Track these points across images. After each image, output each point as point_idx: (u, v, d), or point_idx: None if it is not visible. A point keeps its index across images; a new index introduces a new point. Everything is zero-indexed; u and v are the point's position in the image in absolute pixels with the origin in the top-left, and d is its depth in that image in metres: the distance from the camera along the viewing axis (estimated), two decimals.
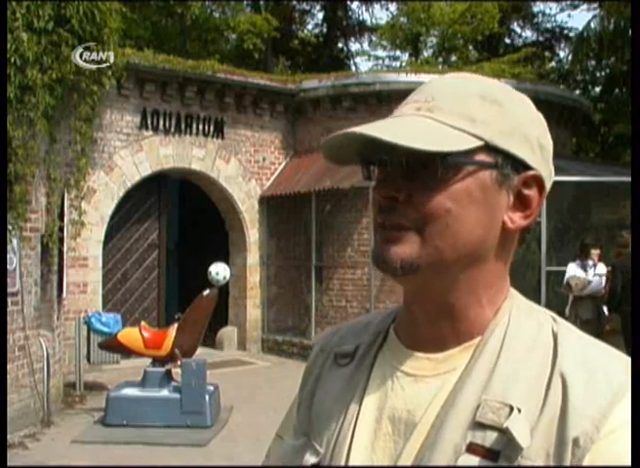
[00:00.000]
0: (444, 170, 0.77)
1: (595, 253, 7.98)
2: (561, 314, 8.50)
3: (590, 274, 7.87)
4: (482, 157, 0.78)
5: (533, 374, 0.76)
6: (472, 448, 0.73)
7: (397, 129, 0.77)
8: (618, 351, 0.80)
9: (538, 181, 0.82)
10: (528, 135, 0.81)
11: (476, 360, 0.79)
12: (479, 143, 0.77)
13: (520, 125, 0.81)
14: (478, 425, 0.74)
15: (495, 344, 0.79)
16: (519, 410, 0.73)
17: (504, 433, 0.72)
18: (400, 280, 0.82)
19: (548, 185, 0.84)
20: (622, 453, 0.70)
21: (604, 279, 7.85)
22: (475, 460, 0.73)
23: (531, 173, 0.81)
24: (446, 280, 0.80)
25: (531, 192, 0.81)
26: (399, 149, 0.75)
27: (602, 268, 7.93)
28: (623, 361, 0.77)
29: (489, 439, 0.73)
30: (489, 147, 0.78)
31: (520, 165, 0.80)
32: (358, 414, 0.84)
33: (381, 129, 0.77)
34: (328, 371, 0.92)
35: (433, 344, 0.82)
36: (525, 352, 0.78)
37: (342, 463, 0.82)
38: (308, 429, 0.89)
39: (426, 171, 0.77)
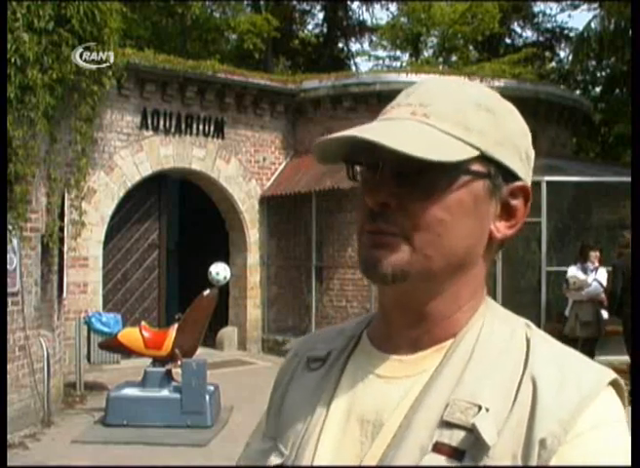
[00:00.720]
0: (439, 179, 0.76)
1: (594, 255, 7.97)
2: (561, 315, 8.51)
3: (591, 278, 7.86)
4: (477, 167, 0.78)
5: (503, 376, 0.76)
6: (438, 448, 0.73)
7: (396, 134, 0.76)
8: (593, 362, 0.79)
9: (524, 192, 0.82)
10: (517, 145, 0.82)
11: (447, 361, 0.79)
12: (475, 153, 0.77)
13: (511, 135, 0.81)
14: (446, 424, 0.74)
15: (467, 347, 0.79)
16: (487, 410, 0.73)
17: (471, 432, 0.72)
18: (386, 286, 0.81)
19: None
20: (590, 456, 0.70)
21: (604, 282, 7.83)
22: (440, 459, 0.73)
23: (519, 183, 0.82)
24: (432, 287, 0.80)
25: (517, 202, 0.82)
26: (394, 154, 0.74)
27: (602, 273, 7.91)
28: (598, 371, 0.77)
29: (455, 438, 0.73)
30: (483, 157, 0.78)
31: (509, 175, 0.81)
32: (326, 416, 0.83)
33: (381, 133, 0.76)
34: (299, 376, 0.92)
35: (407, 347, 0.82)
36: (497, 355, 0.78)
37: (307, 464, 0.82)
38: (276, 433, 0.88)
39: (421, 178, 0.76)
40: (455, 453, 0.72)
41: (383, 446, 0.77)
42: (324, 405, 0.84)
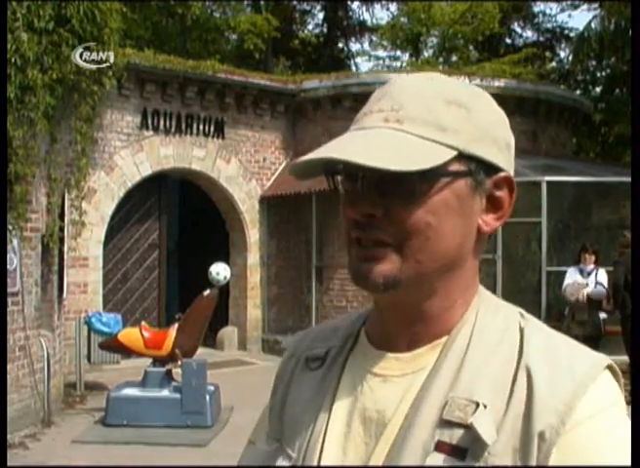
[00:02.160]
0: (421, 184, 0.76)
1: (588, 256, 7.97)
2: (561, 315, 8.51)
3: (591, 280, 7.86)
4: (456, 167, 0.78)
5: (499, 370, 0.76)
6: (440, 447, 0.73)
7: (369, 147, 0.75)
8: (588, 349, 0.79)
9: (508, 182, 0.82)
10: (495, 136, 0.81)
11: (444, 358, 0.79)
12: (453, 154, 0.77)
13: (488, 127, 0.80)
14: (446, 423, 0.74)
15: (462, 342, 0.79)
16: (485, 406, 0.73)
17: (470, 430, 0.72)
18: (379, 294, 0.82)
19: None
20: (591, 446, 0.70)
21: (605, 284, 7.84)
22: (444, 459, 0.73)
23: (502, 174, 0.81)
24: (425, 289, 0.80)
25: (502, 193, 0.82)
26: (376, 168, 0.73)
27: (602, 274, 7.91)
28: (592, 357, 0.77)
29: (456, 436, 0.73)
30: (462, 155, 0.78)
31: (491, 168, 0.80)
32: (329, 418, 0.83)
33: (354, 150, 0.75)
34: (299, 376, 0.92)
35: (404, 344, 0.83)
36: (492, 347, 0.78)
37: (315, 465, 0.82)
38: (280, 435, 0.88)
39: (402, 185, 0.76)
40: (456, 452, 0.72)
41: (387, 446, 0.78)
42: (327, 406, 0.84)
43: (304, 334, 1.00)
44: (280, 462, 0.86)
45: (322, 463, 0.81)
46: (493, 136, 0.80)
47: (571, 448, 0.70)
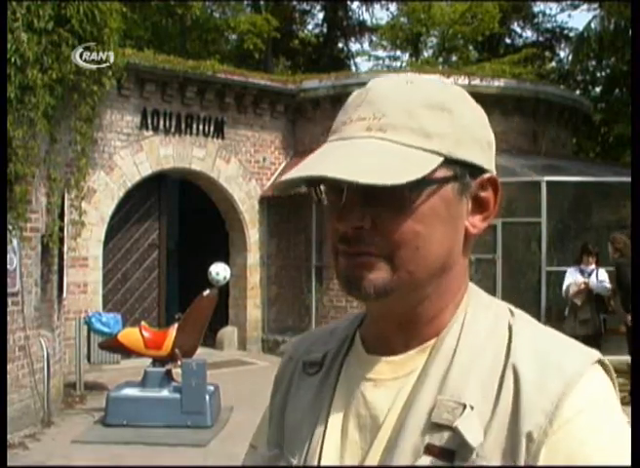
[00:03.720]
0: (409, 193, 0.75)
1: (588, 257, 7.96)
2: (561, 314, 8.51)
3: (591, 280, 7.86)
4: (443, 172, 0.77)
5: (487, 370, 0.75)
6: (429, 450, 0.73)
7: (355, 161, 0.73)
8: (577, 343, 0.78)
9: (492, 182, 0.82)
10: (477, 136, 0.80)
11: (433, 359, 0.79)
12: (439, 160, 0.76)
13: (469, 129, 0.79)
14: (435, 426, 0.74)
15: (450, 343, 0.79)
16: (472, 408, 0.73)
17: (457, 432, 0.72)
18: (370, 302, 0.81)
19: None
20: (582, 442, 0.69)
21: (607, 284, 7.83)
22: (432, 461, 0.72)
23: (486, 175, 0.81)
24: (416, 295, 0.80)
25: (487, 194, 0.82)
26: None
27: (603, 274, 7.90)
28: (581, 352, 0.76)
29: (445, 439, 0.73)
30: (448, 160, 0.77)
31: (475, 169, 0.80)
32: (327, 425, 0.83)
33: (338, 164, 0.73)
34: (297, 381, 0.92)
35: (397, 348, 0.82)
36: (480, 347, 0.77)
37: None
38: (281, 440, 0.89)
39: (389, 196, 0.75)
40: (445, 454, 0.72)
41: (380, 450, 0.78)
42: (324, 413, 0.84)
43: (302, 338, 1.00)
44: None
45: None
46: (475, 137, 0.80)
47: (561, 448, 0.69)
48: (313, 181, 0.79)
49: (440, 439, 0.73)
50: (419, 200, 0.76)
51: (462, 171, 0.78)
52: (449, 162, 0.77)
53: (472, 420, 0.72)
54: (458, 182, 0.78)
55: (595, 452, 0.69)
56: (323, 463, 0.82)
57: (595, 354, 0.76)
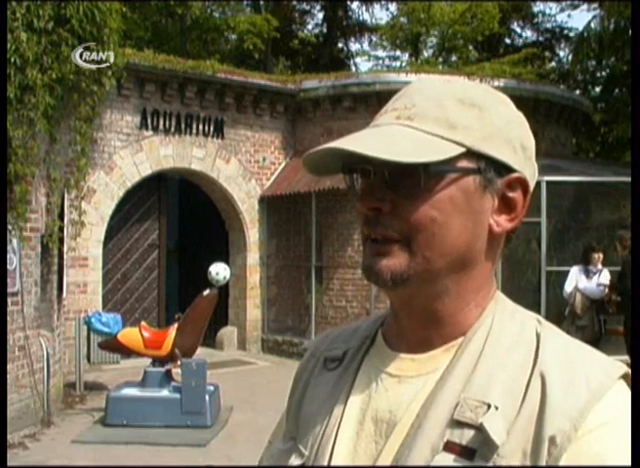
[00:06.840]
0: (426, 179, 0.77)
1: (597, 257, 7.95)
2: (561, 314, 8.51)
3: (594, 281, 7.85)
4: (464, 163, 0.78)
5: (513, 374, 0.76)
6: (449, 447, 0.73)
7: (376, 141, 0.77)
8: (604, 356, 0.78)
9: (521, 183, 0.82)
10: (509, 136, 0.81)
11: (458, 359, 0.79)
12: (461, 150, 0.77)
13: (501, 127, 0.80)
14: (456, 423, 0.74)
15: (477, 344, 0.80)
16: (496, 408, 0.73)
17: (481, 431, 0.72)
18: (389, 290, 0.82)
19: (532, 184, 0.84)
20: (601, 453, 0.70)
21: (606, 288, 7.84)
22: (452, 459, 0.73)
23: (514, 175, 0.81)
24: (435, 287, 0.81)
25: (515, 194, 0.82)
26: (381, 160, 0.75)
27: (605, 275, 7.90)
28: (608, 365, 0.76)
29: (466, 437, 0.73)
30: (471, 153, 0.78)
31: (503, 168, 0.80)
32: (342, 416, 0.84)
33: (361, 142, 0.77)
34: (317, 376, 0.93)
35: (419, 345, 0.83)
36: (506, 352, 0.78)
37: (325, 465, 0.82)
38: (296, 433, 0.89)
39: (409, 180, 0.77)
40: (465, 452, 0.72)
41: (397, 445, 0.78)
42: (341, 405, 0.85)
43: (325, 335, 1.01)
44: (293, 460, 0.86)
45: (333, 461, 0.82)
46: (505, 136, 0.80)
47: (581, 455, 0.70)
48: (347, 167, 0.83)
49: (461, 436, 0.73)
50: (437, 187, 0.77)
51: (487, 166, 0.79)
52: (473, 155, 0.78)
53: (497, 419, 0.72)
54: (480, 176, 0.79)
55: (613, 463, 0.70)
56: (335, 453, 0.82)
57: (622, 367, 0.76)
